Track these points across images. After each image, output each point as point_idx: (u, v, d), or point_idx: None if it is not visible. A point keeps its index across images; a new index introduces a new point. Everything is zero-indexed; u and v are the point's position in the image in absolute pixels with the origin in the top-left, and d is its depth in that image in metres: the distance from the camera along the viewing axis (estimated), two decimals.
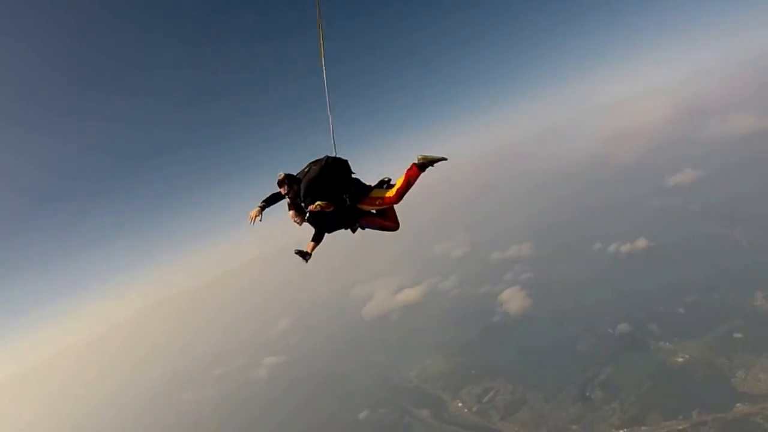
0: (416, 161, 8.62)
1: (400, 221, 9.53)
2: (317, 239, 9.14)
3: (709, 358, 68.53)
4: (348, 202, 8.87)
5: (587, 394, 71.73)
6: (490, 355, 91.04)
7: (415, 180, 8.75)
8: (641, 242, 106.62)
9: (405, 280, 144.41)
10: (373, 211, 9.29)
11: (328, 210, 8.56)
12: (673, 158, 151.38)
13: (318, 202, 8.44)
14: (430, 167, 8.64)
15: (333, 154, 8.93)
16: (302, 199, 8.71)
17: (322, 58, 8.60)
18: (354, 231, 9.39)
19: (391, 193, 8.86)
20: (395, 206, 9.31)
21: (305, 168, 8.82)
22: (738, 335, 70.15)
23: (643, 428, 62.64)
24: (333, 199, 8.70)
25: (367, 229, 9.54)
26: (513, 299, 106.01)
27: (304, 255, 8.82)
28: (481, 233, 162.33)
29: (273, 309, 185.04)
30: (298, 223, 8.82)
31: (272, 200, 8.94)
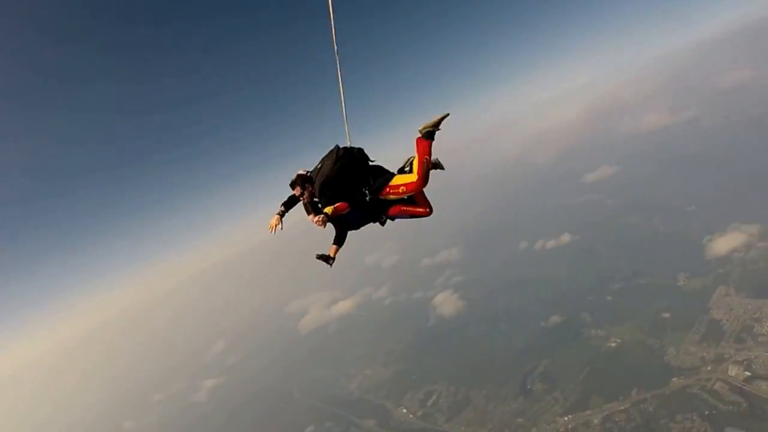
0: (420, 134, 8.22)
1: (431, 204, 8.98)
2: (339, 241, 8.72)
3: (641, 340, 72.36)
4: (369, 196, 8.43)
5: (528, 387, 73.20)
6: (429, 360, 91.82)
7: (429, 153, 8.25)
8: (565, 237, 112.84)
9: (338, 293, 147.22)
10: (403, 198, 8.71)
11: (343, 212, 8.12)
12: (589, 156, 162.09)
13: (326, 209, 7.90)
14: (438, 131, 8.23)
15: (346, 144, 8.49)
16: (319, 199, 8.23)
17: (333, 36, 8.13)
18: (383, 224, 8.95)
19: (412, 177, 8.36)
20: (424, 189, 8.72)
21: (318, 165, 8.30)
22: (665, 315, 74.79)
23: (587, 412, 64.14)
24: (351, 194, 8.26)
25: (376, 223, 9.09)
26: (446, 303, 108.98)
27: (327, 259, 8.52)
28: (410, 241, 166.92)
29: (208, 331, 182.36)
30: (320, 225, 7.98)
31: (291, 203, 8.44)
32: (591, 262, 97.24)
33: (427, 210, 8.79)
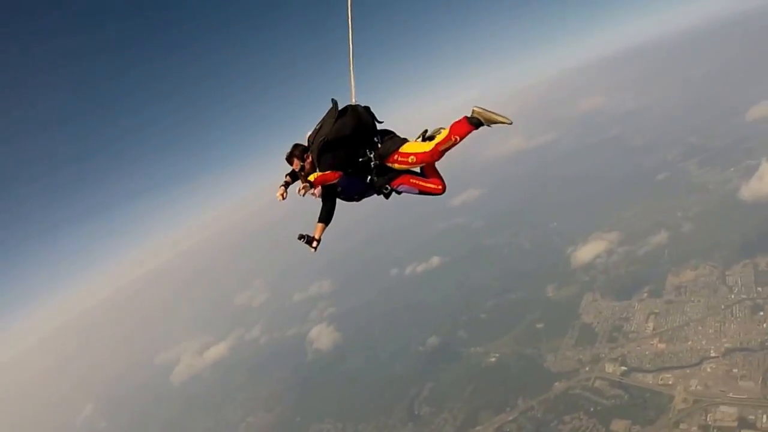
0: (470, 115, 7.33)
1: (445, 182, 7.99)
2: (326, 218, 7.57)
3: (519, 351, 77.66)
4: (375, 161, 7.51)
5: (416, 412, 74.66)
6: (312, 398, 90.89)
7: (463, 137, 7.38)
8: (435, 260, 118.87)
9: (209, 338, 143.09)
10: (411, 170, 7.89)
11: (330, 182, 7.19)
12: (455, 180, 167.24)
13: (310, 176, 6.99)
14: (485, 126, 7.36)
15: (350, 102, 7.63)
16: (319, 165, 7.31)
17: None
18: (387, 196, 7.92)
19: (426, 146, 7.39)
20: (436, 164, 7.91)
21: (317, 126, 7.43)
22: (539, 325, 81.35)
23: (477, 428, 67.04)
24: (354, 159, 7.43)
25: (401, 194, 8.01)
26: (322, 336, 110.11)
27: (311, 241, 7.33)
28: (279, 277, 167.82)
29: (73, 396, 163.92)
30: (316, 195, 7.26)
31: (296, 174, 7.65)
32: (462, 283, 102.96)
33: (441, 186, 7.89)
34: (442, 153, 7.39)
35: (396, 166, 7.54)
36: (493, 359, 77.96)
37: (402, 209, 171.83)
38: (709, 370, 58.17)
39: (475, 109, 7.26)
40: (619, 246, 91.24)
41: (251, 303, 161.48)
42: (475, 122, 7.23)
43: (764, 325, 59.97)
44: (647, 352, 65.28)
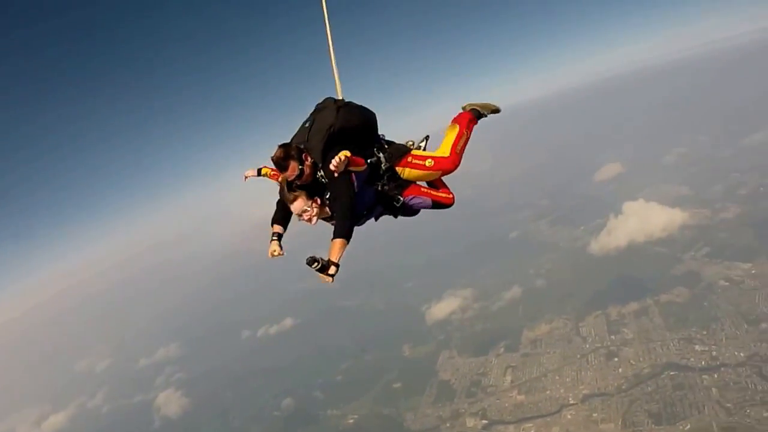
0: (464, 110, 7.08)
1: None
2: (348, 231, 5.76)
3: (378, 412, 75.54)
4: (385, 164, 6.46)
5: None
6: None
7: (471, 132, 6.94)
8: (288, 322, 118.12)
9: (47, 407, 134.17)
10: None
11: (361, 168, 5.94)
12: (309, 241, 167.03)
13: (341, 153, 5.47)
14: (484, 117, 7.19)
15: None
16: (324, 164, 5.87)
17: None
18: (397, 212, 6.79)
19: (443, 151, 6.71)
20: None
21: (306, 125, 6.28)
22: (397, 385, 79.69)
23: None
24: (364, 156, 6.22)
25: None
26: (169, 402, 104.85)
27: (327, 266, 5.25)
28: (124, 341, 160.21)
29: None
30: (323, 217, 6.10)
31: (283, 216, 6.36)
32: (317, 345, 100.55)
33: (452, 196, 7.05)
34: (459, 156, 6.73)
35: (407, 171, 6.58)
36: (351, 421, 75.41)
37: (252, 271, 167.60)
38: (569, 416, 59.35)
39: (466, 105, 7.00)
40: (474, 302, 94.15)
41: (93, 369, 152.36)
42: (476, 114, 6.98)
43: (619, 370, 62.97)
44: (507, 405, 65.60)
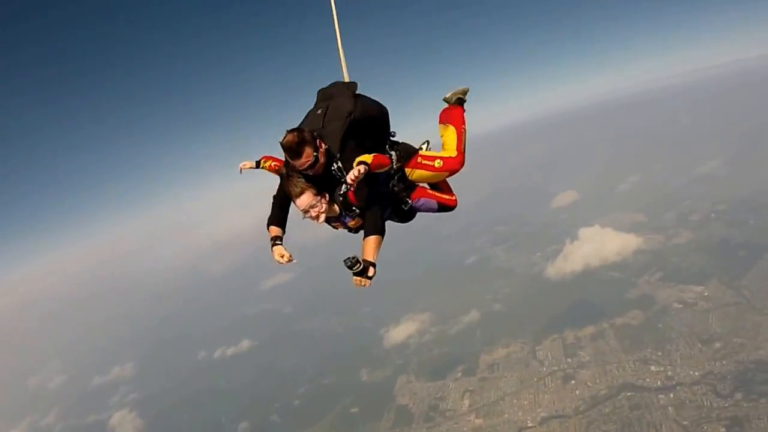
0: (448, 103, 6.85)
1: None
2: (381, 227, 5.61)
3: None
4: (397, 162, 6.20)
5: None
6: None
7: (465, 122, 6.73)
8: (245, 344, 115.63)
9: None
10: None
11: (386, 167, 5.66)
12: (267, 264, 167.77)
13: (363, 157, 5.12)
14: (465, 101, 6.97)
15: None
16: (343, 154, 5.51)
17: None
18: (405, 217, 6.54)
19: (449, 151, 6.49)
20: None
21: (317, 110, 5.86)
22: (354, 410, 78.42)
23: None
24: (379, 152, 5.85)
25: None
26: (124, 423, 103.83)
27: (366, 268, 5.08)
28: (77, 359, 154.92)
29: None
30: (329, 216, 5.82)
31: (281, 216, 5.82)
32: (274, 367, 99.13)
33: (455, 198, 6.90)
34: (464, 155, 6.44)
35: (416, 173, 6.29)
36: None
37: (210, 290, 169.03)
38: None
39: (446, 97, 6.77)
40: (432, 326, 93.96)
41: (46, 386, 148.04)
42: (458, 101, 6.75)
43: (577, 392, 63.25)
44: (465, 429, 65.14)
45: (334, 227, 6.14)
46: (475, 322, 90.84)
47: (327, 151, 5.38)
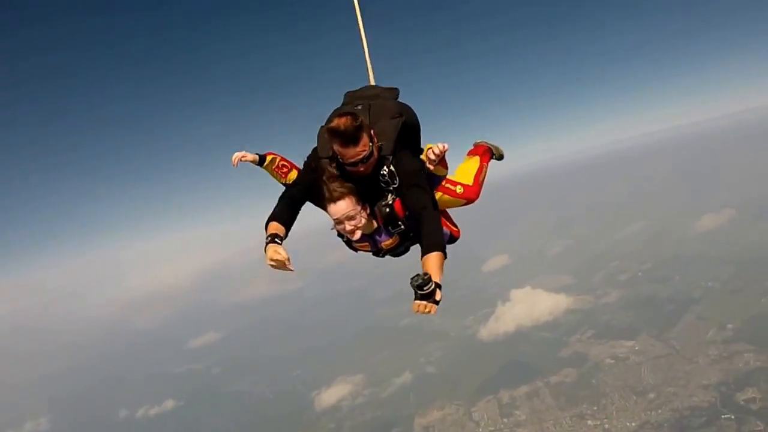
0: (485, 145, 6.33)
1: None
2: (442, 242, 4.66)
3: None
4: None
5: None
6: None
7: (488, 168, 6.29)
8: (169, 403, 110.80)
9: None
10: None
11: (445, 172, 5.48)
12: (195, 322, 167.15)
13: (438, 144, 4.74)
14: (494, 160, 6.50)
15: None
16: (394, 160, 4.65)
17: None
18: (404, 251, 5.56)
19: (467, 179, 5.87)
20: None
21: (358, 106, 5.00)
22: None
23: None
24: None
25: None
26: None
27: (433, 291, 3.88)
28: None
29: None
30: (369, 242, 5.14)
31: (289, 217, 4.63)
32: (199, 430, 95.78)
33: (458, 231, 6.04)
34: (481, 187, 5.95)
35: (437, 195, 5.42)
36: None
37: (134, 343, 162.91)
38: None
39: (480, 141, 6.24)
40: (364, 389, 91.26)
41: None
42: (490, 150, 6.18)
43: None
44: None
45: (357, 249, 5.16)
46: (409, 384, 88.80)
47: (380, 148, 4.49)
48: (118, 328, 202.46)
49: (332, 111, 5.02)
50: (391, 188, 4.51)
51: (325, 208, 4.47)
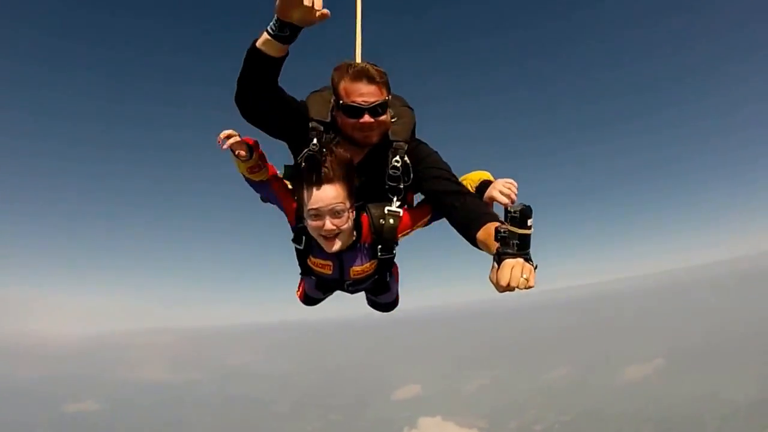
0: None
1: None
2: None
3: None
4: None
5: None
6: None
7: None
8: None
9: None
10: None
11: None
12: (77, 387, 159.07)
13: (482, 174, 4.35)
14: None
15: None
16: (408, 150, 4.04)
17: None
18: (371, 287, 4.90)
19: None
20: None
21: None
22: None
23: None
24: None
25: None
26: None
27: (528, 242, 3.17)
28: None
29: None
30: (332, 262, 4.43)
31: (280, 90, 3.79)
32: None
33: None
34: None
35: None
36: None
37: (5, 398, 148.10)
38: None
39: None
40: None
41: None
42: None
43: None
44: None
45: (313, 269, 4.20)
46: None
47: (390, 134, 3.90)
48: None
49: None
50: (401, 188, 3.76)
51: (301, 189, 3.48)
